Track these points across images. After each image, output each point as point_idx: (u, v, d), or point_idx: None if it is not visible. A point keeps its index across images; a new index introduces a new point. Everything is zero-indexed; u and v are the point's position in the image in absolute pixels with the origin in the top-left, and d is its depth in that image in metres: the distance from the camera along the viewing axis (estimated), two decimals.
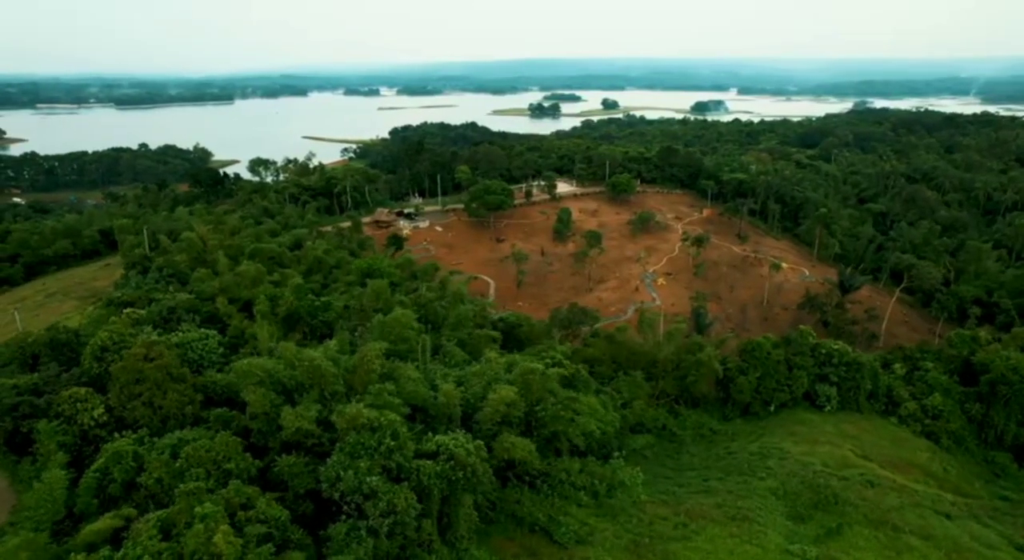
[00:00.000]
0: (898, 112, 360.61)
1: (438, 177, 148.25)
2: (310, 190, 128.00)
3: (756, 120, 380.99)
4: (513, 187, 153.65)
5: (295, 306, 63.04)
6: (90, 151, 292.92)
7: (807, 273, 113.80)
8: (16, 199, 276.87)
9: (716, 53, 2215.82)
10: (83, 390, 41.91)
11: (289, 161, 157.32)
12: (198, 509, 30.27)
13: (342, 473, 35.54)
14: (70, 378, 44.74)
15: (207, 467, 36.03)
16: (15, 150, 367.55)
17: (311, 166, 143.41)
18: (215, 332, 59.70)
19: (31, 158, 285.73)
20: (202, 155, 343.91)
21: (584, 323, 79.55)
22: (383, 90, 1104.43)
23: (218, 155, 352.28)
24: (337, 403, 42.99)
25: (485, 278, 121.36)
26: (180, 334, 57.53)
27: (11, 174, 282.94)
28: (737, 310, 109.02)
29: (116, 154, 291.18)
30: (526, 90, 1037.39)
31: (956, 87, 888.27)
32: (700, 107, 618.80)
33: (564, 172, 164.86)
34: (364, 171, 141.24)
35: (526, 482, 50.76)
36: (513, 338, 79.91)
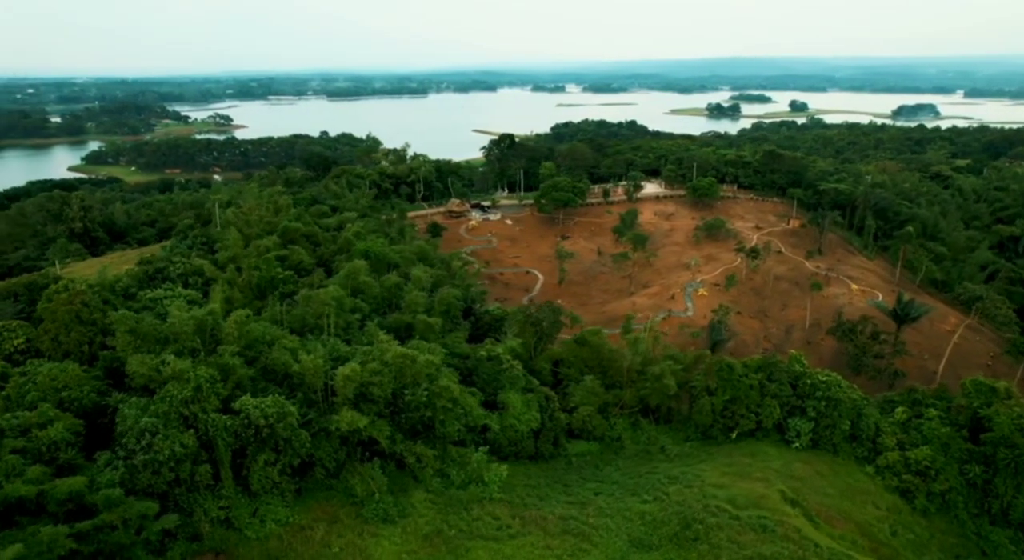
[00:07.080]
0: None
1: (522, 172, 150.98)
2: (392, 178, 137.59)
3: (946, 126, 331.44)
4: (599, 186, 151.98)
5: (261, 277, 70.48)
6: (275, 137, 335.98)
7: (880, 297, 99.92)
8: (216, 177, 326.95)
9: (948, 51, 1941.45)
10: (14, 322, 51.96)
11: (389, 151, 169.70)
12: None
13: (127, 411, 41.02)
14: (16, 312, 55.58)
15: (45, 391, 43.37)
16: (237, 135, 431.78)
17: (407, 156, 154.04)
18: (190, 291, 69.13)
19: (230, 142, 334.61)
20: (372, 143, 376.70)
21: (556, 322, 78.23)
22: (569, 87, 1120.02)
23: (387, 144, 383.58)
24: (194, 357, 48.91)
25: (536, 273, 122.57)
26: (159, 291, 67.78)
27: (215, 155, 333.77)
28: (782, 330, 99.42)
29: (294, 140, 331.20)
30: (715, 90, 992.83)
31: None
32: (903, 112, 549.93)
33: (656, 173, 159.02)
34: (444, 162, 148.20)
35: (394, 461, 53.44)
36: (495, 329, 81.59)
